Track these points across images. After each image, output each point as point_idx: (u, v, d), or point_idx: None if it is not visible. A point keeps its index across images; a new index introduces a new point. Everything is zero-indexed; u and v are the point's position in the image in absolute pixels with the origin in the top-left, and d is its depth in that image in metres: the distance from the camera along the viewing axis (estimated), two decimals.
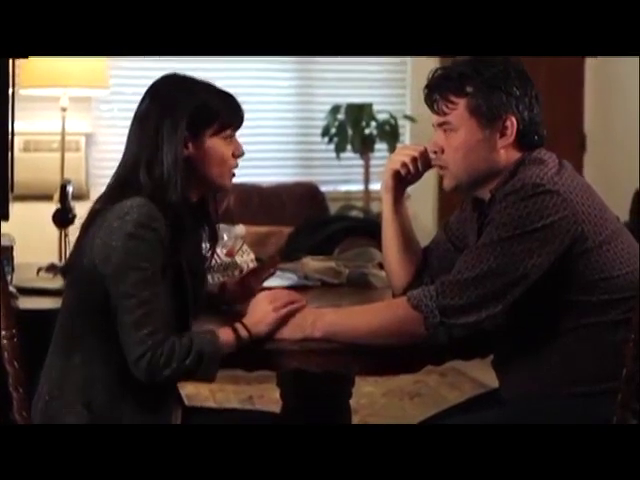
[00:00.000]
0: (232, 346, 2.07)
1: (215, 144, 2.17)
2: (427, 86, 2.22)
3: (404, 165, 2.34)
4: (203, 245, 2.28)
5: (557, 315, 2.11)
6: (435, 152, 2.23)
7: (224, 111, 2.17)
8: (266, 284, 2.56)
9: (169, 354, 2.00)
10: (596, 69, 6.34)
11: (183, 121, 2.12)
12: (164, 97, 2.17)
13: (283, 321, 2.11)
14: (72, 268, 2.16)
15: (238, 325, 2.10)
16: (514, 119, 2.16)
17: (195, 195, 2.20)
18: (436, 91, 2.19)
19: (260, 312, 2.12)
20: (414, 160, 2.33)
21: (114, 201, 2.10)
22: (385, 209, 2.40)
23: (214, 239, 2.30)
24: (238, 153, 2.21)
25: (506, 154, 2.17)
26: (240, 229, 2.69)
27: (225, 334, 2.08)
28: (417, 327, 2.06)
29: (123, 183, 2.15)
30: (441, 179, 2.28)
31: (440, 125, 2.20)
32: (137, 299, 2.01)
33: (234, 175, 2.23)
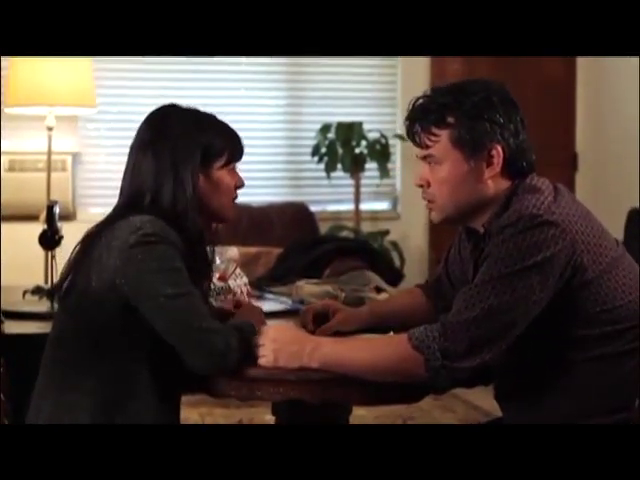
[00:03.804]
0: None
1: (222, 176, 2.20)
2: (407, 118, 2.15)
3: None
4: None
5: (559, 350, 2.04)
6: (422, 185, 2.16)
7: (231, 145, 2.21)
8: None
9: (233, 336, 2.02)
10: (588, 87, 6.32)
11: (198, 154, 2.14)
12: (173, 128, 2.16)
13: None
14: (69, 293, 2.09)
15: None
16: (500, 148, 2.08)
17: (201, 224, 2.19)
18: (417, 123, 2.12)
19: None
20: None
21: (115, 222, 2.07)
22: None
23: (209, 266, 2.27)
24: (240, 184, 2.25)
25: (494, 184, 2.10)
26: (233, 252, 2.63)
27: None
28: (417, 368, 1.98)
29: (126, 211, 2.11)
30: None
31: (424, 158, 2.14)
32: (188, 295, 2.00)
33: (235, 205, 2.27)
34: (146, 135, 2.17)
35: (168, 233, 2.04)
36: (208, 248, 2.24)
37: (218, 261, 2.55)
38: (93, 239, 2.09)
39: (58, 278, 2.14)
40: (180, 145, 2.13)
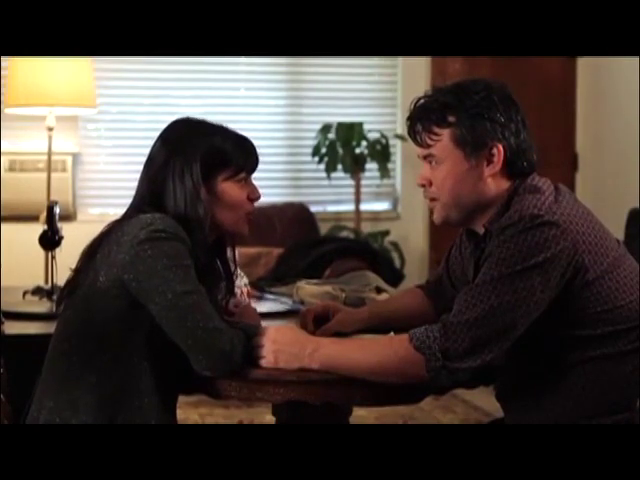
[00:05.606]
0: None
1: (228, 188, 2.15)
2: (409, 118, 2.15)
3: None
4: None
5: (560, 350, 2.04)
6: (423, 185, 2.16)
7: (237, 155, 2.15)
8: (262, 310, 2.49)
9: (238, 337, 2.00)
10: (588, 87, 6.31)
11: (196, 165, 2.10)
12: (175, 141, 2.14)
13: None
14: (76, 289, 2.09)
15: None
16: (500, 146, 2.08)
17: (210, 237, 2.17)
18: (418, 123, 2.12)
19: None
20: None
21: (125, 220, 2.08)
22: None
23: (229, 278, 2.28)
24: (254, 197, 2.19)
25: (495, 183, 2.10)
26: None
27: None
28: (418, 369, 1.97)
29: (136, 213, 2.11)
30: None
31: (425, 158, 2.14)
32: (196, 293, 1.99)
33: (251, 219, 2.20)
34: (155, 146, 2.17)
35: (178, 230, 2.03)
36: (229, 251, 2.24)
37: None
38: (103, 237, 2.09)
39: (69, 276, 2.13)
40: (182, 155, 2.11)
